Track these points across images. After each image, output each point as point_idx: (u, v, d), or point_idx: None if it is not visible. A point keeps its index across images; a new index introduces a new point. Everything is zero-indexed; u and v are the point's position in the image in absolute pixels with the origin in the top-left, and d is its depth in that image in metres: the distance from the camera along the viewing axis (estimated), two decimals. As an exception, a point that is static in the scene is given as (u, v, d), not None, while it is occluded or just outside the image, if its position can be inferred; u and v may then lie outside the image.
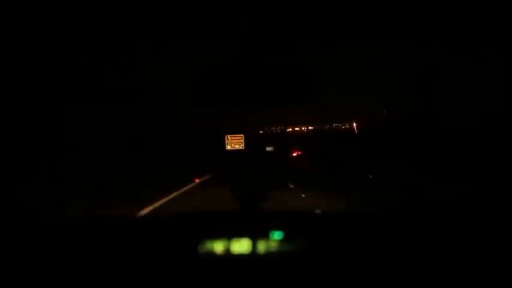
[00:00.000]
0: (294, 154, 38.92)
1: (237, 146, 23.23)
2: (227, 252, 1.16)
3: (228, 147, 23.43)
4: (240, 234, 1.22)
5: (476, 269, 0.97)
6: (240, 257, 1.15)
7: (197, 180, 15.57)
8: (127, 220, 1.83)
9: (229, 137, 23.55)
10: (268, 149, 39.37)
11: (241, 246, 1.18)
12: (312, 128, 53.44)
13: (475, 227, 1.25)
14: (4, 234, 1.34)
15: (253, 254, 1.16)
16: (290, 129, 52.99)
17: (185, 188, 13.32)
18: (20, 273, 1.04)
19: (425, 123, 17.16)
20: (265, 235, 1.22)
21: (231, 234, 1.22)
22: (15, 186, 9.15)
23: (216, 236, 1.23)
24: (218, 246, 1.20)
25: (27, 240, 1.29)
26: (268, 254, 1.16)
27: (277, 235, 1.23)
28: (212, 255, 1.17)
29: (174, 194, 11.42)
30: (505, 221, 1.25)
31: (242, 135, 23.52)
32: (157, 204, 9.08)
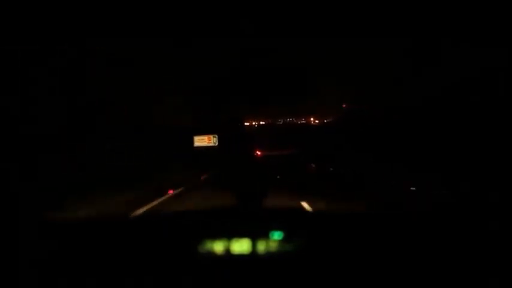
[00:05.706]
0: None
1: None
2: (227, 252, 1.14)
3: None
4: (240, 234, 1.20)
5: (476, 269, 1.02)
6: (240, 257, 1.14)
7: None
8: (126, 219, 1.76)
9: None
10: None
11: (241, 246, 1.17)
12: (263, 123, 52.72)
13: (463, 227, 1.32)
14: (4, 233, 1.25)
15: (253, 254, 1.15)
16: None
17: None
18: (18, 272, 0.98)
19: (388, 115, 17.53)
20: (265, 235, 1.21)
21: (231, 234, 1.20)
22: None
23: (216, 236, 1.21)
24: (218, 246, 1.18)
25: (25, 240, 1.21)
26: (268, 254, 1.16)
27: (277, 235, 1.23)
28: (212, 255, 1.15)
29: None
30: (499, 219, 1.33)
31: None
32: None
